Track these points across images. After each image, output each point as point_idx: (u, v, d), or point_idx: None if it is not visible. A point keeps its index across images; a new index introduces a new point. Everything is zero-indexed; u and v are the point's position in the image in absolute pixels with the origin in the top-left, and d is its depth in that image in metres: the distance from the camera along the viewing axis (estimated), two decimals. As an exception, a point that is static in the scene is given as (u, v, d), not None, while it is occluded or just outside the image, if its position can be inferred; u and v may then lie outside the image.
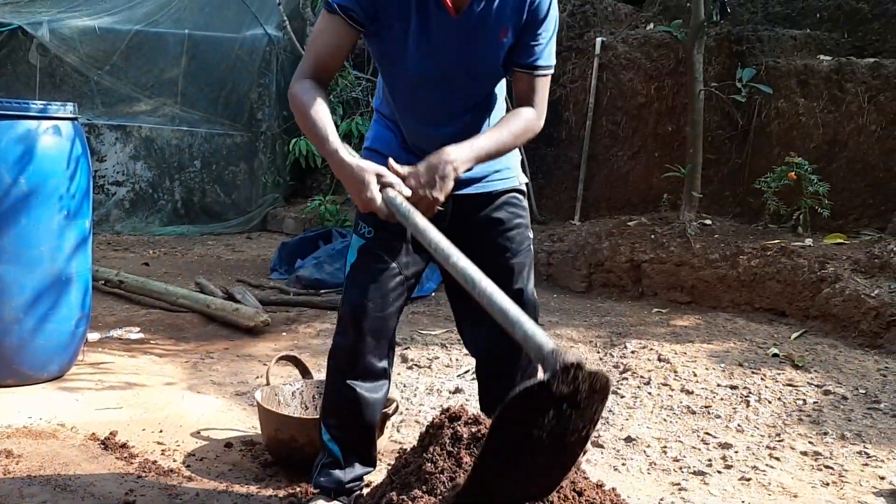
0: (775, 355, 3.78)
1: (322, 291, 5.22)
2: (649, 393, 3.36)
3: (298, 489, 2.39)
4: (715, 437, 2.92)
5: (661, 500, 2.48)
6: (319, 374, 3.10)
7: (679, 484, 2.58)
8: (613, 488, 1.92)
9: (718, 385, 3.41)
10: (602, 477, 2.49)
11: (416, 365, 3.71)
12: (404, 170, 1.92)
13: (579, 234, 5.74)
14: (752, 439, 2.92)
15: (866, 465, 2.71)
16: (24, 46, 7.71)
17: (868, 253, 4.64)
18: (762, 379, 3.46)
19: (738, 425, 3.04)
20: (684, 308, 4.92)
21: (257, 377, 3.50)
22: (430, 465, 1.79)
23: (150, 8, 8.19)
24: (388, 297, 2.17)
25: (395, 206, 1.87)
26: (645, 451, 2.82)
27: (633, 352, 3.84)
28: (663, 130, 6.25)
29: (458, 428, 1.83)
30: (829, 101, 5.61)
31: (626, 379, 3.52)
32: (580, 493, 1.76)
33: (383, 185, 1.90)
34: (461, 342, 4.01)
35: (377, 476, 2.27)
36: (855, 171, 5.49)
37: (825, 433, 2.94)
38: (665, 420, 3.11)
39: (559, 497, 1.72)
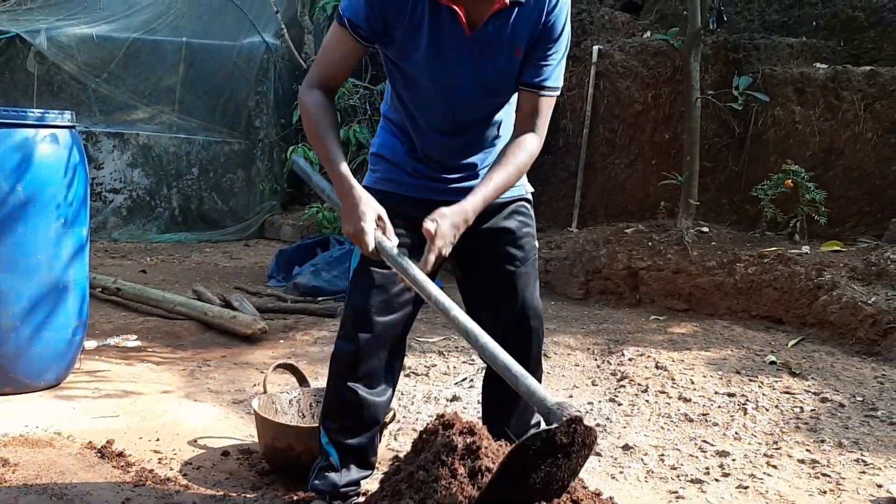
0: (772, 363, 3.78)
1: (320, 299, 5.21)
2: (647, 401, 3.36)
3: (296, 497, 2.38)
4: (712, 445, 2.92)
5: (659, 508, 2.48)
6: (317, 383, 3.11)
7: (676, 492, 2.58)
8: (611, 497, 1.92)
9: (716, 393, 3.41)
10: (599, 485, 2.49)
11: (413, 373, 3.71)
12: (431, 227, 1.91)
13: (577, 242, 5.75)
14: (749, 447, 2.92)
15: (863, 472, 2.71)
16: (21, 54, 7.72)
17: (865, 260, 4.65)
18: (759, 386, 3.46)
19: (736, 433, 3.04)
20: (681, 315, 4.92)
21: (254, 385, 3.50)
22: (422, 472, 1.78)
23: (147, 16, 8.21)
24: (391, 302, 2.17)
25: (392, 257, 1.92)
26: (642, 459, 2.81)
27: (630, 359, 3.84)
28: (660, 138, 6.26)
29: (453, 437, 1.82)
30: (826, 109, 5.63)
31: (624, 387, 3.52)
32: (577, 502, 1.76)
33: (377, 227, 1.96)
34: (458, 350, 4.03)
35: (373, 485, 2.26)
36: (851, 178, 5.51)
37: (822, 441, 2.94)
38: (662, 428, 3.11)
39: (556, 506, 1.72)
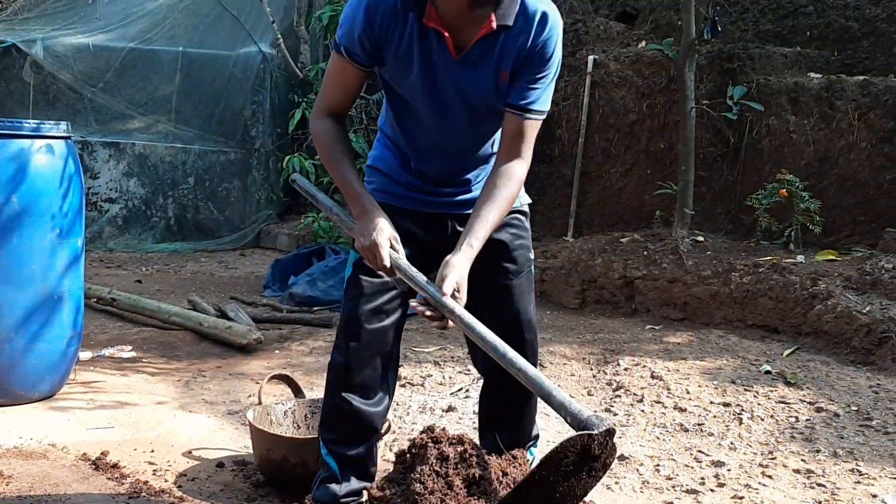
0: (768, 372, 3.79)
1: (315, 309, 5.21)
2: (642, 410, 3.36)
3: (290, 509, 2.38)
4: (708, 455, 2.92)
5: (654, 519, 2.48)
6: (312, 394, 3.10)
7: (672, 503, 2.58)
8: (606, 508, 1.92)
9: (711, 402, 3.41)
10: (594, 496, 2.48)
11: (409, 383, 3.70)
12: (447, 288, 1.88)
13: (572, 251, 5.75)
14: (744, 457, 2.92)
15: (858, 482, 2.71)
16: (17, 64, 7.73)
17: (860, 269, 4.66)
18: (755, 396, 3.46)
19: (731, 443, 3.04)
20: (677, 325, 4.93)
21: (249, 396, 3.49)
22: (418, 485, 1.78)
23: (143, 25, 8.21)
24: (381, 312, 2.18)
25: (405, 271, 1.96)
26: (638, 470, 2.81)
27: (626, 369, 3.84)
28: (655, 147, 6.28)
29: (444, 448, 1.82)
30: (820, 119, 5.65)
31: (620, 397, 3.52)
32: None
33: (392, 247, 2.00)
34: (454, 360, 4.03)
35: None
36: (846, 187, 5.53)
37: (817, 451, 2.95)
38: (658, 438, 3.11)
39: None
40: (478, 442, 2.07)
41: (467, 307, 1.87)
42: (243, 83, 7.97)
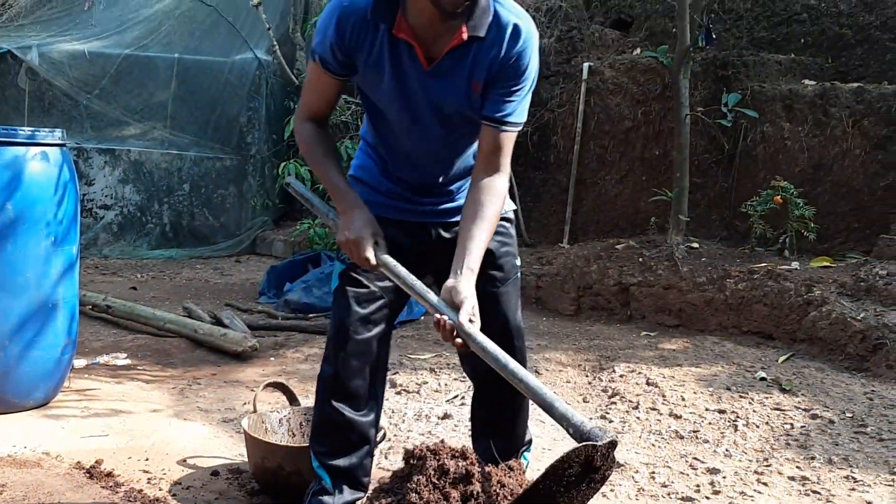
0: (763, 379, 3.79)
1: (311, 315, 5.21)
2: (638, 417, 3.36)
3: (285, 518, 2.37)
4: (703, 462, 2.92)
5: (650, 526, 2.47)
6: (307, 401, 3.09)
7: (667, 510, 2.58)
8: (601, 516, 1.92)
9: (706, 409, 3.41)
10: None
11: (404, 390, 3.70)
12: (464, 317, 1.84)
13: (568, 258, 5.76)
14: (740, 464, 2.92)
15: (853, 489, 2.71)
16: (13, 70, 7.72)
17: (854, 276, 4.67)
18: (750, 403, 3.47)
19: (727, 450, 3.04)
20: (672, 331, 4.93)
21: (245, 403, 3.48)
22: (414, 495, 1.77)
23: (139, 32, 8.22)
24: (368, 321, 2.18)
25: (388, 266, 1.98)
26: (633, 477, 2.81)
27: (621, 375, 3.85)
28: (650, 154, 6.30)
29: (445, 461, 1.81)
30: (814, 126, 5.67)
31: (615, 403, 3.52)
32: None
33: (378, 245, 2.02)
34: (450, 367, 4.03)
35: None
36: (840, 194, 5.54)
37: (812, 458, 2.95)
38: (653, 445, 3.11)
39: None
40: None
41: None
42: (239, 90, 7.98)
